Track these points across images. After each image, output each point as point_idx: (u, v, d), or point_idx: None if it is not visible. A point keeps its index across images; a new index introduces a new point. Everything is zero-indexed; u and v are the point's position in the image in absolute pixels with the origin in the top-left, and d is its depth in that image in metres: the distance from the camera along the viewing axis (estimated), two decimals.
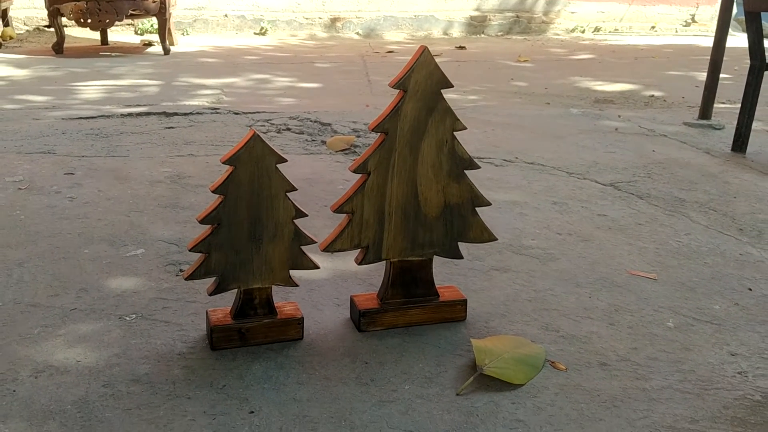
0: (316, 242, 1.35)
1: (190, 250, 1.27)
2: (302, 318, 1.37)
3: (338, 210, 1.35)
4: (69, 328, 1.38)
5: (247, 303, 1.33)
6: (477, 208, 1.44)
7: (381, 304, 1.43)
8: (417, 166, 1.36)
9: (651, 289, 1.66)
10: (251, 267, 1.31)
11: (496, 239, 1.49)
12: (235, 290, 1.33)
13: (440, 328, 1.45)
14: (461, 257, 1.47)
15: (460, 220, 1.43)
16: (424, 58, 1.31)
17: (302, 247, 1.34)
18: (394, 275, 1.43)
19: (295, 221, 1.32)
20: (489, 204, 1.45)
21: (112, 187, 2.17)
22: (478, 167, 1.42)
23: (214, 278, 1.31)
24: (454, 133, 1.37)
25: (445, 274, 1.68)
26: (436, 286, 1.48)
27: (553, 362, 1.34)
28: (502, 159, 2.67)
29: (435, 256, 1.45)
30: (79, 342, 1.33)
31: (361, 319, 1.41)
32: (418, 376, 1.28)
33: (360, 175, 1.36)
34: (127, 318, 1.42)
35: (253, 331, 1.34)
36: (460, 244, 1.46)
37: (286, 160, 1.28)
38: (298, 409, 1.17)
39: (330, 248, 1.37)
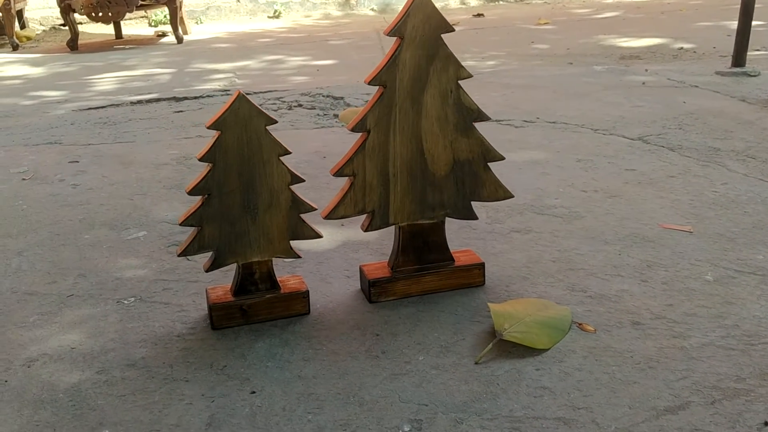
0: (316, 209, 1.26)
1: (180, 225, 1.19)
2: (307, 291, 1.29)
3: (338, 173, 1.26)
4: (65, 314, 1.32)
5: (247, 278, 1.25)
6: (490, 164, 1.33)
7: (392, 272, 1.34)
8: (421, 121, 1.26)
9: (687, 242, 1.53)
10: (248, 239, 1.22)
11: (513, 196, 1.38)
12: (234, 265, 1.25)
13: (457, 294, 1.35)
14: (476, 218, 1.36)
15: (471, 178, 1.32)
16: (420, 1, 1.20)
17: (302, 215, 1.25)
18: (404, 241, 1.33)
19: (292, 187, 1.23)
20: (502, 158, 1.33)
21: (116, 173, 2.11)
22: (488, 118, 1.31)
23: (209, 253, 1.23)
24: (459, 81, 1.26)
25: (462, 239, 1.57)
26: (451, 250, 1.38)
27: (580, 324, 1.23)
28: (522, 120, 2.54)
29: (447, 218, 1.35)
30: (75, 328, 1.27)
31: (371, 290, 1.32)
32: (433, 346, 1.18)
33: (360, 134, 1.26)
34: (126, 302, 1.35)
35: (256, 308, 1.25)
36: (474, 204, 1.35)
37: (276, 121, 1.19)
38: (303, 387, 1.08)
39: (332, 215, 1.27)
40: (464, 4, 7.02)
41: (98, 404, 1.06)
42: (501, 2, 7.06)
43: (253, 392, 1.07)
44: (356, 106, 2.86)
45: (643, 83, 3.08)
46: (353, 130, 1.24)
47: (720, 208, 1.71)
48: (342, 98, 3.01)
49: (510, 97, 2.88)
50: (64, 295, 1.39)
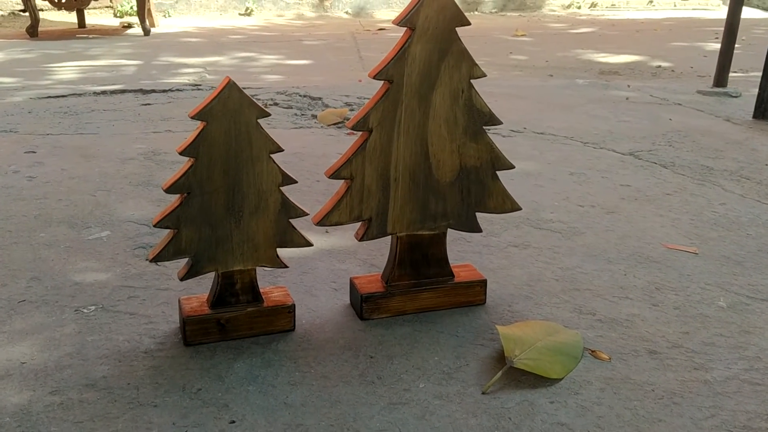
0: (308, 214, 1.13)
1: (155, 226, 1.04)
2: (293, 305, 1.15)
3: (334, 175, 1.13)
4: (15, 322, 1.16)
5: (227, 288, 1.11)
6: (498, 172, 1.22)
7: (386, 287, 1.21)
8: (428, 122, 1.14)
9: (693, 264, 1.45)
10: (230, 245, 1.08)
11: (521, 208, 1.27)
12: (212, 273, 1.11)
13: (456, 313, 1.23)
14: (480, 230, 1.25)
15: (478, 187, 1.21)
16: None
17: (291, 221, 1.12)
18: (401, 253, 1.21)
19: (282, 189, 1.10)
20: (512, 167, 1.23)
21: (77, 166, 1.94)
22: (500, 122, 1.20)
23: (186, 259, 1.09)
24: (472, 81, 1.15)
25: (456, 252, 1.46)
26: (450, 264, 1.27)
27: (593, 351, 1.12)
28: (509, 129, 2.45)
29: (449, 230, 1.23)
30: (26, 339, 1.11)
31: (364, 305, 1.19)
32: (434, 372, 1.06)
33: (360, 132, 1.13)
34: (85, 310, 1.20)
35: (235, 322, 1.12)
36: (477, 215, 1.24)
37: (269, 114, 1.06)
38: (290, 417, 0.95)
39: (325, 221, 1.15)
40: None
41: (51, 431, 0.91)
42: (476, 12, 7.03)
43: (233, 422, 0.94)
44: (335, 108, 2.73)
45: (627, 98, 3.03)
46: (354, 128, 1.11)
47: (722, 230, 1.63)
48: (320, 99, 2.89)
49: (494, 106, 2.77)
50: (15, 301, 1.23)
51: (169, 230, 1.06)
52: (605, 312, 1.25)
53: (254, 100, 1.04)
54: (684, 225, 1.66)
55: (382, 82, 1.11)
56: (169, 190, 1.03)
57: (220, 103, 1.02)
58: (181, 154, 1.03)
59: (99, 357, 1.07)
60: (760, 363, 1.11)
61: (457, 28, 1.11)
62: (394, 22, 1.10)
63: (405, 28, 1.10)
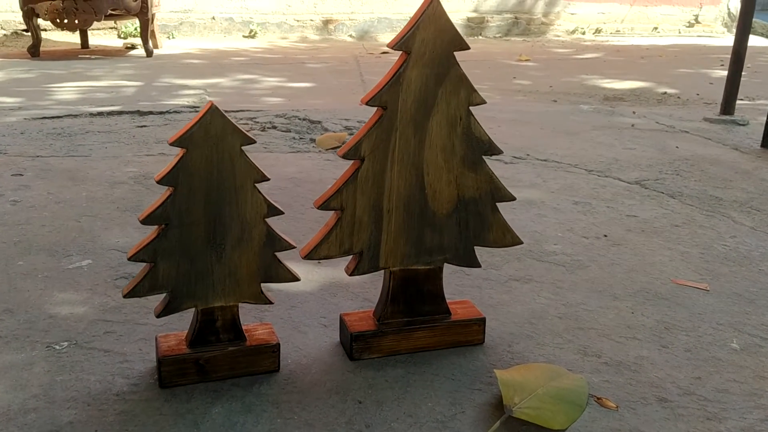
0: (294, 247, 1.06)
1: (129, 259, 0.98)
2: (278, 344, 1.08)
3: (323, 206, 1.07)
4: None
5: (207, 326, 1.04)
6: (498, 204, 1.16)
7: (378, 324, 1.14)
8: (423, 150, 1.08)
9: (704, 302, 1.38)
10: (211, 280, 1.02)
11: (522, 242, 1.20)
12: (192, 310, 1.04)
13: (452, 354, 1.16)
14: (478, 266, 1.18)
15: (476, 219, 1.14)
16: (432, 11, 1.02)
17: (277, 254, 1.05)
18: (394, 288, 1.14)
19: (267, 220, 1.03)
20: (513, 198, 1.16)
21: (64, 189, 1.87)
22: (500, 152, 1.13)
23: (163, 295, 1.02)
24: (470, 108, 1.09)
25: (454, 286, 1.39)
26: (447, 300, 1.20)
27: (599, 398, 1.05)
28: (512, 156, 2.39)
29: (445, 264, 1.16)
30: None
31: (354, 345, 1.12)
32: (427, 420, 0.98)
33: (351, 161, 1.07)
34: (57, 347, 1.13)
35: (215, 363, 1.04)
36: (476, 248, 1.17)
37: (254, 141, 1.00)
38: None
39: (313, 255, 1.08)
40: None
41: None
42: (480, 37, 7.02)
43: None
44: (334, 131, 2.68)
45: (633, 125, 2.97)
46: (345, 156, 1.05)
47: (733, 264, 1.56)
48: (319, 122, 2.83)
49: (497, 132, 2.74)
50: None
51: (145, 264, 0.99)
52: (612, 354, 1.18)
53: (238, 125, 0.98)
54: (693, 259, 1.58)
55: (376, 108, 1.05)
56: (146, 221, 0.97)
57: (201, 130, 0.95)
58: (158, 182, 0.97)
59: (67, 399, 0.99)
60: None
61: (456, 53, 1.06)
62: (389, 45, 1.04)
63: (401, 52, 1.04)
